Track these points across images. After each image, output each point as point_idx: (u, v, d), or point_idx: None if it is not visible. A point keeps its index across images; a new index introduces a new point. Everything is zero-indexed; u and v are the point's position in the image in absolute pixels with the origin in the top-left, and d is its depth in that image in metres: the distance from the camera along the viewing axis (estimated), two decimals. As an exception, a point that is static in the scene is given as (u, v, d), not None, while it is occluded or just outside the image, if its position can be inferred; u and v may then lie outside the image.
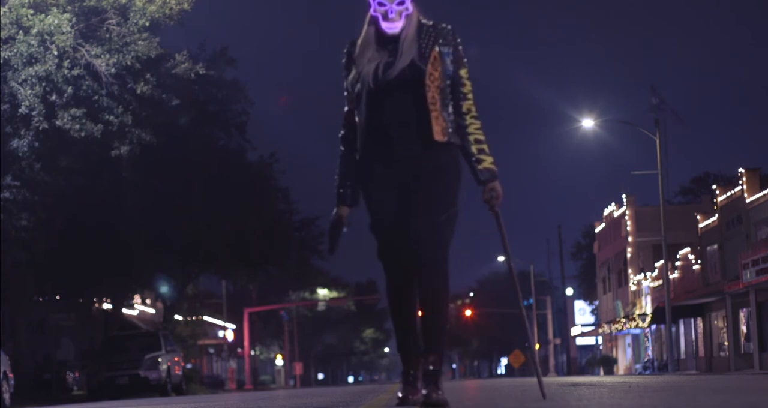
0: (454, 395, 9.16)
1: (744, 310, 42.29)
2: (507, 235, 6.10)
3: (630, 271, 58.50)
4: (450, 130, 5.80)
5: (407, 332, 5.93)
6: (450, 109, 5.83)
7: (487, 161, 5.85)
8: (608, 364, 61.45)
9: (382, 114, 5.76)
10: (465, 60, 5.91)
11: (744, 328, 42.79)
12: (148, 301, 55.00)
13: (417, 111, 5.74)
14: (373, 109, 5.78)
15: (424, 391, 5.76)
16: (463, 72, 5.89)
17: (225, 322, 67.63)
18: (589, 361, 70.51)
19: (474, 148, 5.84)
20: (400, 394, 5.88)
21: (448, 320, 5.95)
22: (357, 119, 5.88)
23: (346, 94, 5.95)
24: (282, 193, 43.81)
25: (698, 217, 47.21)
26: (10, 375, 23.55)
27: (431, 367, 5.79)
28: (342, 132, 6.01)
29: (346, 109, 5.96)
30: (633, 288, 57.96)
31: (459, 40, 5.91)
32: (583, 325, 78.11)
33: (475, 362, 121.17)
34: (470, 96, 5.88)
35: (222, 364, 76.36)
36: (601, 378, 24.61)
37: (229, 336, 71.47)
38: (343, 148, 6.01)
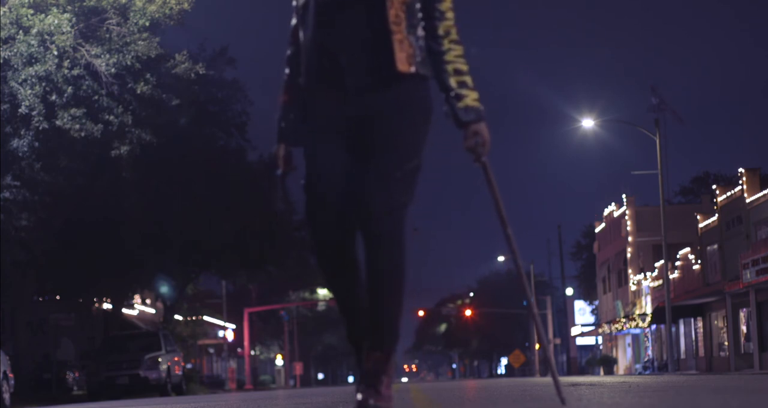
0: (455, 395, 9.16)
1: (744, 310, 42.29)
2: (500, 194, 4.78)
3: (630, 271, 58.48)
4: (419, 58, 4.49)
5: (355, 309, 4.61)
6: (420, 32, 4.51)
7: (470, 97, 4.51)
8: (608, 364, 61.44)
9: (330, 34, 4.49)
10: None
11: (744, 328, 42.78)
12: (148, 301, 55.02)
13: (374, 32, 4.45)
14: (320, 27, 4.51)
15: (359, 396, 4.48)
16: None
17: (225, 322, 67.61)
18: (589, 361, 70.49)
19: (453, 81, 4.50)
20: (359, 397, 4.52)
21: (402, 309, 4.52)
22: (301, 37, 4.60)
23: (294, 3, 4.69)
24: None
25: (698, 217, 47.20)
26: (10, 375, 23.53)
27: (372, 366, 4.50)
28: (288, 51, 4.69)
29: (293, 22, 4.70)
30: (633, 288, 57.93)
31: None
32: (583, 325, 78.09)
33: (475, 362, 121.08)
34: (450, 15, 4.54)
35: (222, 364, 76.35)
36: (601, 378, 24.59)
37: (229, 336, 71.46)
38: (288, 72, 4.68)
